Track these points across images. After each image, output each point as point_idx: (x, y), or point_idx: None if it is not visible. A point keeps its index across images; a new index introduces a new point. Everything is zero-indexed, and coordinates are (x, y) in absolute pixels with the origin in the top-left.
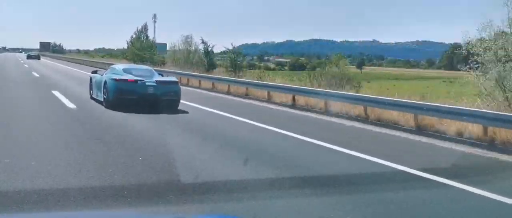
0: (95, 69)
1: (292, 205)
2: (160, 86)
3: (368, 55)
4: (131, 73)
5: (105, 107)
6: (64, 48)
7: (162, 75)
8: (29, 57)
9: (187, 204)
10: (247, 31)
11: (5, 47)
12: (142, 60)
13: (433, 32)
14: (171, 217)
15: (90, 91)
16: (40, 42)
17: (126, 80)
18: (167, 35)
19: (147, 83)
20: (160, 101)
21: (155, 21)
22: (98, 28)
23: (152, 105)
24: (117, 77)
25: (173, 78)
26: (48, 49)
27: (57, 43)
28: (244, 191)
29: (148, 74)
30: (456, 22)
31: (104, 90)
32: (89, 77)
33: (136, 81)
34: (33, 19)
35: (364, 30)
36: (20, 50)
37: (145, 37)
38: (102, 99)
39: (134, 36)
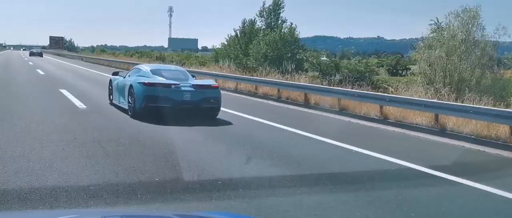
0: (116, 70)
1: None
2: (198, 91)
3: (375, 51)
4: (161, 76)
5: (131, 117)
6: (75, 44)
7: (195, 77)
8: (31, 54)
9: None
10: None
11: (4, 44)
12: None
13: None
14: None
15: (109, 96)
16: (50, 37)
17: (157, 84)
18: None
19: (182, 88)
20: (198, 110)
21: (170, 15)
22: (110, 24)
23: (183, 114)
24: (146, 80)
25: (211, 81)
26: (61, 45)
27: (67, 39)
28: None
29: (182, 77)
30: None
31: (129, 96)
32: (109, 80)
33: (169, 85)
34: (38, 12)
35: (368, 26)
36: (24, 48)
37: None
38: (126, 107)
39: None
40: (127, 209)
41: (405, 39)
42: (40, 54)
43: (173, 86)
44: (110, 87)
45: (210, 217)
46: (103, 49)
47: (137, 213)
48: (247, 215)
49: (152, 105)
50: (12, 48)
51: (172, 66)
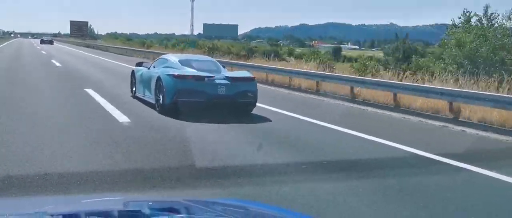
0: (139, 61)
1: None
2: (234, 84)
3: (387, 39)
4: (191, 67)
5: (159, 112)
6: (95, 31)
7: (224, 68)
8: (42, 42)
9: None
10: (259, 14)
11: (11, 33)
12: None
13: (452, 15)
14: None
15: (131, 88)
16: (70, 23)
17: (189, 76)
18: None
19: (217, 81)
20: (235, 105)
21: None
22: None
23: (215, 110)
24: (176, 72)
25: (247, 73)
26: (85, 32)
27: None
28: None
29: (214, 68)
30: (478, 4)
31: (156, 89)
32: (131, 71)
33: (202, 78)
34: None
35: (381, 13)
36: (35, 36)
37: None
38: (153, 101)
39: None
40: (138, 196)
41: (419, 26)
42: (51, 42)
43: (206, 78)
44: (133, 79)
45: (222, 203)
46: (128, 37)
47: (148, 198)
48: (259, 201)
49: (184, 100)
50: (19, 35)
51: (202, 56)
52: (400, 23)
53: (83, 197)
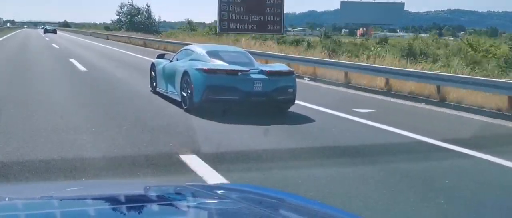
0: (161, 52)
1: None
2: (271, 79)
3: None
4: (221, 59)
5: (186, 110)
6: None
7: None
8: (46, 31)
9: None
10: None
11: (9, 21)
12: None
13: (465, 0)
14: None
15: (152, 83)
16: None
17: (221, 71)
18: None
19: (252, 76)
20: (272, 103)
21: None
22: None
23: (248, 108)
24: (206, 66)
25: (284, 66)
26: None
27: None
28: None
29: (246, 60)
30: None
31: (183, 85)
32: (150, 64)
33: (236, 72)
34: None
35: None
36: (42, 26)
37: None
38: (177, 98)
39: None
40: (140, 181)
41: (431, 11)
42: (54, 32)
43: (240, 73)
44: (153, 73)
45: (226, 187)
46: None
47: (152, 183)
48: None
49: (215, 98)
50: (25, 26)
51: (231, 47)
52: (412, 9)
53: (85, 182)
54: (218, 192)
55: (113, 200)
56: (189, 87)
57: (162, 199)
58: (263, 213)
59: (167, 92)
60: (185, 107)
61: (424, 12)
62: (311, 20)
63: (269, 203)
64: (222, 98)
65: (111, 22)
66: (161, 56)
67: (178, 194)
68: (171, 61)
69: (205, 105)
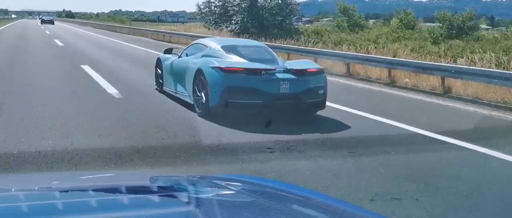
0: (169, 47)
1: None
2: (300, 79)
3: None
4: (239, 55)
5: (200, 115)
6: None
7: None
8: (43, 22)
9: None
10: None
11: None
12: None
13: None
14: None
15: (157, 80)
16: None
17: (242, 70)
18: None
19: (279, 76)
20: (301, 107)
21: None
22: None
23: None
24: (224, 64)
25: (312, 63)
26: None
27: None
28: None
29: (268, 56)
30: None
31: (196, 86)
32: (156, 59)
33: (259, 71)
34: None
35: None
36: (38, 16)
37: None
38: (190, 100)
39: None
40: (142, 171)
41: (434, 0)
42: (51, 22)
43: (264, 72)
44: (158, 70)
45: (226, 178)
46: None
47: (153, 174)
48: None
49: (235, 102)
50: (31, 16)
51: (248, 41)
52: None
53: (86, 172)
54: (221, 183)
55: (117, 191)
56: (204, 88)
57: (164, 189)
58: (267, 205)
59: (177, 93)
60: (198, 111)
61: (427, 1)
62: (312, 9)
63: (272, 194)
64: (243, 103)
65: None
66: (168, 51)
67: (179, 184)
68: (179, 56)
69: (223, 110)
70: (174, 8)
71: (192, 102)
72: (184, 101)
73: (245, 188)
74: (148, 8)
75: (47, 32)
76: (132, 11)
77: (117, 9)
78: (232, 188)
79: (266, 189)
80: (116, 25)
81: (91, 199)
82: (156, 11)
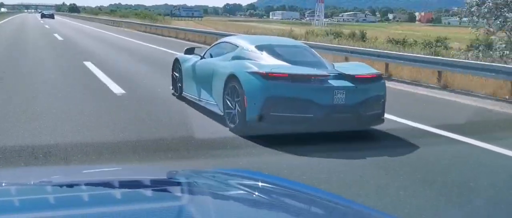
0: (190, 46)
1: None
2: (358, 88)
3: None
4: (278, 57)
5: (232, 130)
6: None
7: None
8: (43, 16)
9: None
10: None
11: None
12: None
13: None
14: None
15: (176, 84)
16: None
17: (288, 76)
18: None
19: (332, 83)
20: (358, 121)
21: None
22: None
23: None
24: (264, 69)
25: (367, 67)
26: None
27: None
28: None
29: (311, 58)
30: None
31: (228, 94)
32: (173, 60)
33: (309, 77)
34: None
35: None
36: (35, 9)
37: None
38: (219, 111)
39: None
40: (135, 166)
41: None
42: (52, 16)
43: (314, 78)
44: (176, 74)
45: (224, 172)
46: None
47: (150, 168)
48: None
49: (279, 115)
50: (33, 10)
51: (284, 39)
52: None
53: (84, 167)
54: (215, 176)
55: (115, 186)
56: (239, 98)
57: (158, 184)
58: (264, 199)
59: (200, 101)
60: (231, 126)
61: None
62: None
63: (268, 189)
64: (289, 116)
65: None
66: (190, 51)
67: (188, 178)
68: (202, 57)
69: (263, 125)
70: (174, 2)
71: (222, 114)
72: (210, 111)
73: (243, 183)
74: (148, 2)
75: (59, 38)
76: (132, 5)
77: (117, 3)
78: (231, 182)
79: (264, 183)
80: (146, 23)
81: (115, 191)
82: (156, 5)
